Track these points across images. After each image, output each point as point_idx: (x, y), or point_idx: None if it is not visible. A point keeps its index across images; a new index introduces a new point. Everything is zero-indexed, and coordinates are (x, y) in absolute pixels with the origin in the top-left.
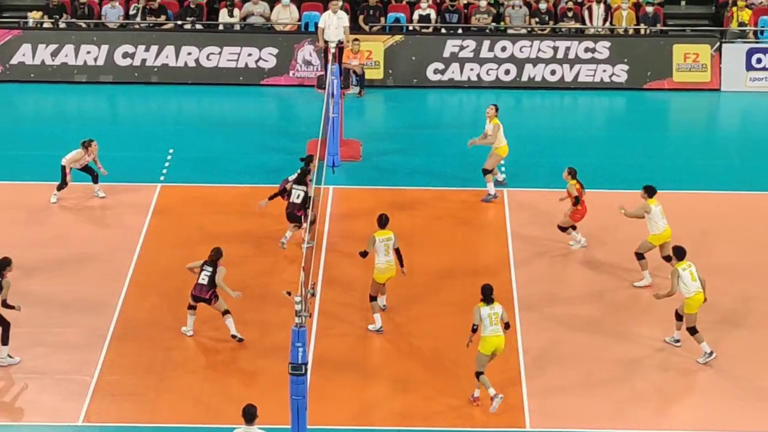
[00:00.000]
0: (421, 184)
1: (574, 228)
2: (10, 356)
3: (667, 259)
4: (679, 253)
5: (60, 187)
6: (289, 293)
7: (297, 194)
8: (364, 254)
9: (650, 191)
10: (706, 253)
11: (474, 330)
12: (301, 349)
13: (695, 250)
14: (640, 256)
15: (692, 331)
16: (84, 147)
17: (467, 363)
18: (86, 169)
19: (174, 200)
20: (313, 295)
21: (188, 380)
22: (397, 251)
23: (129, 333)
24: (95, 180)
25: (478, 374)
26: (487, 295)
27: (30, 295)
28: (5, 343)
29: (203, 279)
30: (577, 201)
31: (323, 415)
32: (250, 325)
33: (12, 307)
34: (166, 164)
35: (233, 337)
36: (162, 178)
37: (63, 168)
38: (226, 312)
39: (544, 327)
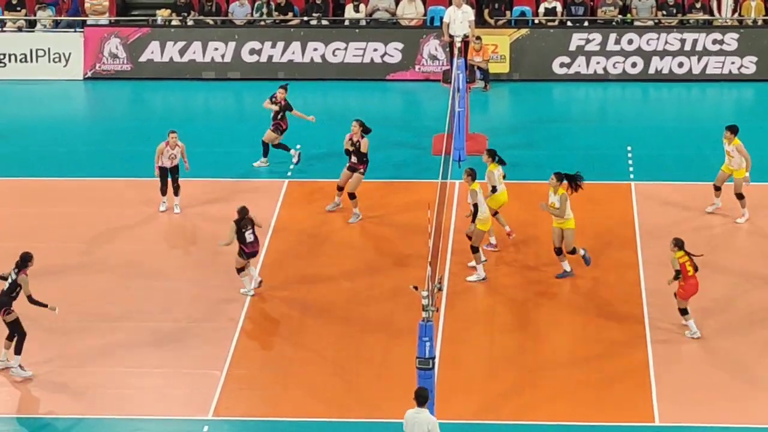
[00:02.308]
0: (548, 177)
1: None
2: (21, 368)
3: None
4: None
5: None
6: (416, 288)
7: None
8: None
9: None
10: None
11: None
12: (428, 343)
13: None
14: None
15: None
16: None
17: (603, 360)
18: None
19: (300, 195)
20: (440, 289)
21: (315, 374)
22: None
23: (257, 327)
24: (177, 190)
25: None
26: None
27: (157, 290)
28: (18, 352)
29: (250, 237)
30: (678, 275)
31: (450, 408)
32: (376, 320)
33: (44, 305)
34: (294, 160)
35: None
36: (289, 174)
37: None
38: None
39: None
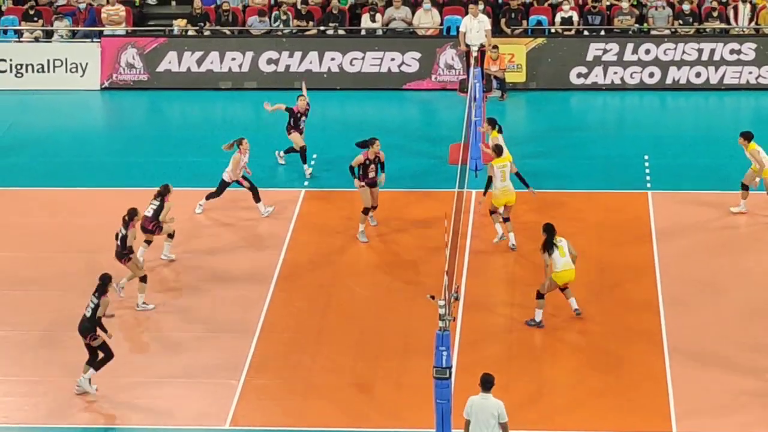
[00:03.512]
0: (565, 187)
1: None
2: (90, 382)
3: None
4: (549, 233)
5: (211, 196)
6: (432, 297)
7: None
8: (488, 182)
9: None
10: None
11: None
12: (445, 353)
13: None
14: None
15: (539, 295)
16: (236, 147)
17: (624, 367)
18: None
19: (317, 205)
20: (457, 299)
21: (333, 383)
22: (518, 174)
23: (275, 336)
24: (256, 197)
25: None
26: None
27: (175, 300)
28: (96, 369)
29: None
30: None
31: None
32: (394, 329)
33: (104, 330)
34: (309, 170)
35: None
36: (306, 183)
37: (225, 183)
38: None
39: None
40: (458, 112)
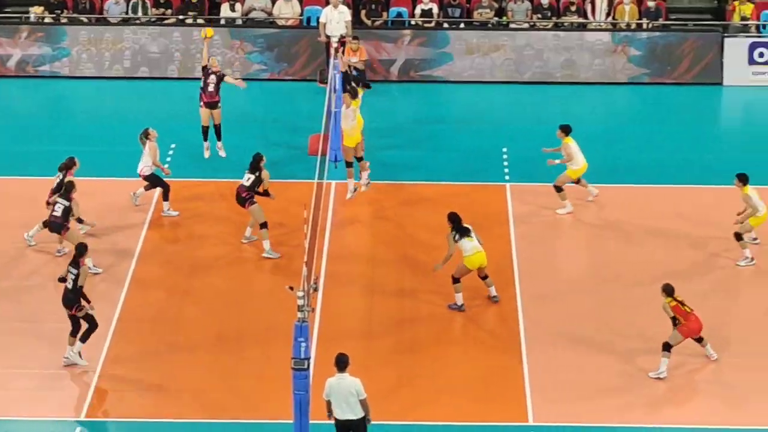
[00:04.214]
0: (424, 178)
1: None
2: (80, 355)
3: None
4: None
5: (165, 196)
6: (291, 288)
7: (247, 177)
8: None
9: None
10: None
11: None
12: (303, 344)
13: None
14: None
15: (455, 280)
16: (143, 139)
17: (464, 355)
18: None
19: (175, 195)
20: (316, 290)
21: (192, 375)
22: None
23: (131, 327)
24: (166, 194)
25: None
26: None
27: (31, 291)
28: (83, 340)
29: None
30: (675, 321)
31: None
32: (255, 321)
33: (87, 300)
34: (168, 159)
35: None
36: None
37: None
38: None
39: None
40: (318, 103)
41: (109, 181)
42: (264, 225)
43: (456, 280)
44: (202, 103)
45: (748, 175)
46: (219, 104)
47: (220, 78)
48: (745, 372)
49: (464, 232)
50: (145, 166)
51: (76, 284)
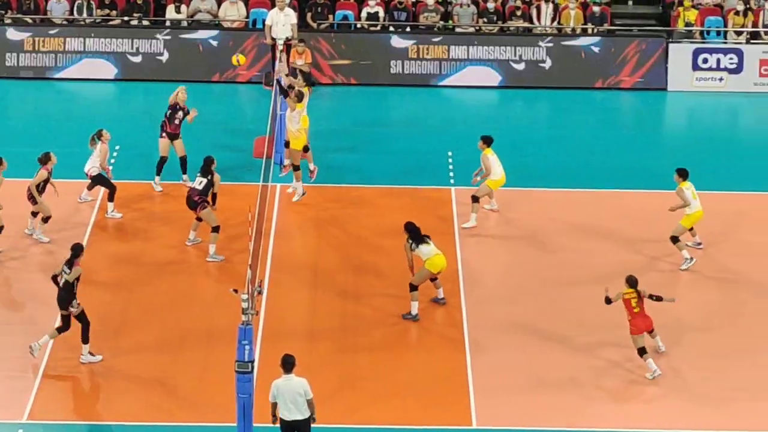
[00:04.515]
0: (368, 182)
1: None
2: (91, 353)
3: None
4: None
5: (110, 197)
6: (236, 291)
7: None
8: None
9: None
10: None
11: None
12: (247, 347)
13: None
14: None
15: (413, 287)
16: (94, 140)
17: (408, 358)
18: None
19: (127, 196)
20: (260, 293)
21: (134, 378)
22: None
23: (73, 330)
24: (111, 195)
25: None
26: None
27: None
28: (85, 341)
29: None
30: (608, 301)
31: (269, 413)
32: (198, 322)
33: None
34: (112, 160)
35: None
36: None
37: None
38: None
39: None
40: (263, 106)
41: (55, 183)
42: (216, 229)
43: (413, 288)
44: (163, 134)
45: (688, 171)
46: (180, 135)
47: (186, 113)
48: (690, 372)
49: (420, 240)
50: (92, 166)
51: (68, 284)
